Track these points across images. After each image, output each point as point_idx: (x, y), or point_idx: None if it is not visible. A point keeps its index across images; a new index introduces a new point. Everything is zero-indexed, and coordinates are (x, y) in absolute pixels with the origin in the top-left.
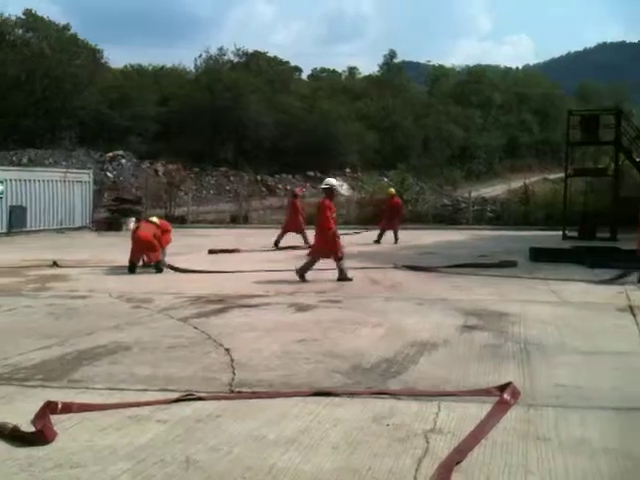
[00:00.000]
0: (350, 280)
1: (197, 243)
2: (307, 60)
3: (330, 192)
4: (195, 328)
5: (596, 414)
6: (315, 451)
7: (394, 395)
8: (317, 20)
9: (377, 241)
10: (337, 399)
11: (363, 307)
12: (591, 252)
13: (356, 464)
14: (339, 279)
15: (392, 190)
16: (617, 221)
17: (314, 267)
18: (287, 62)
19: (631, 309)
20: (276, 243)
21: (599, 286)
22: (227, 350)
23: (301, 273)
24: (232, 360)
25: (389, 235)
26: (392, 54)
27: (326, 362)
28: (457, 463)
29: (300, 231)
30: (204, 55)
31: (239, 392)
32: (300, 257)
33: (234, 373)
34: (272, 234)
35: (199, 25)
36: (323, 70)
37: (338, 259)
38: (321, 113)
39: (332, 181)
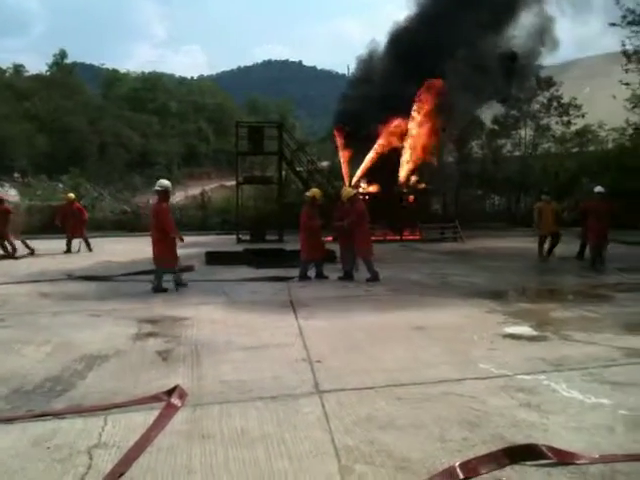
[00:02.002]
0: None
1: None
2: None
3: (165, 195)
4: None
5: (256, 405)
6: None
7: (58, 415)
8: None
9: (68, 251)
10: None
11: (29, 324)
12: (259, 254)
13: None
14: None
15: (72, 195)
16: (283, 224)
17: None
18: None
19: (292, 304)
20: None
21: (265, 284)
22: None
23: (156, 288)
24: None
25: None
26: (63, 54)
27: None
28: (121, 475)
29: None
30: None
31: None
32: None
33: None
34: None
35: None
36: None
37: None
38: None
39: (166, 183)
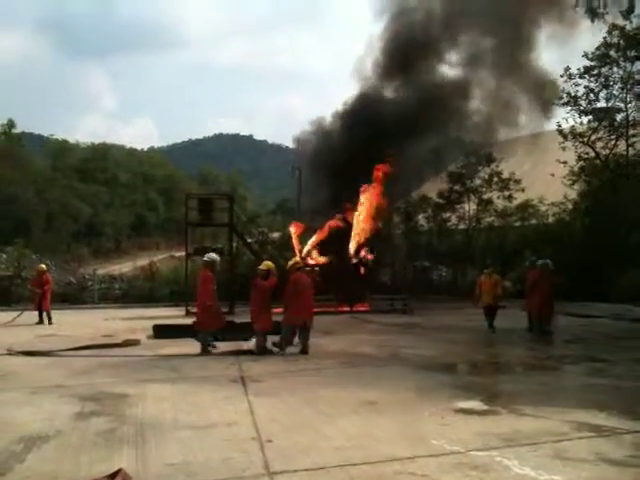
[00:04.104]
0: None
1: None
2: None
3: (212, 266)
4: None
5: None
6: None
7: None
8: None
9: (41, 322)
10: None
11: None
12: None
13: None
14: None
15: (43, 266)
16: (234, 296)
17: None
18: None
19: (242, 379)
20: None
21: (215, 358)
22: None
23: (202, 349)
24: None
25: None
26: (11, 124)
27: None
28: None
29: None
30: None
31: None
32: None
33: None
34: None
35: None
36: None
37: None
38: None
39: (214, 256)
